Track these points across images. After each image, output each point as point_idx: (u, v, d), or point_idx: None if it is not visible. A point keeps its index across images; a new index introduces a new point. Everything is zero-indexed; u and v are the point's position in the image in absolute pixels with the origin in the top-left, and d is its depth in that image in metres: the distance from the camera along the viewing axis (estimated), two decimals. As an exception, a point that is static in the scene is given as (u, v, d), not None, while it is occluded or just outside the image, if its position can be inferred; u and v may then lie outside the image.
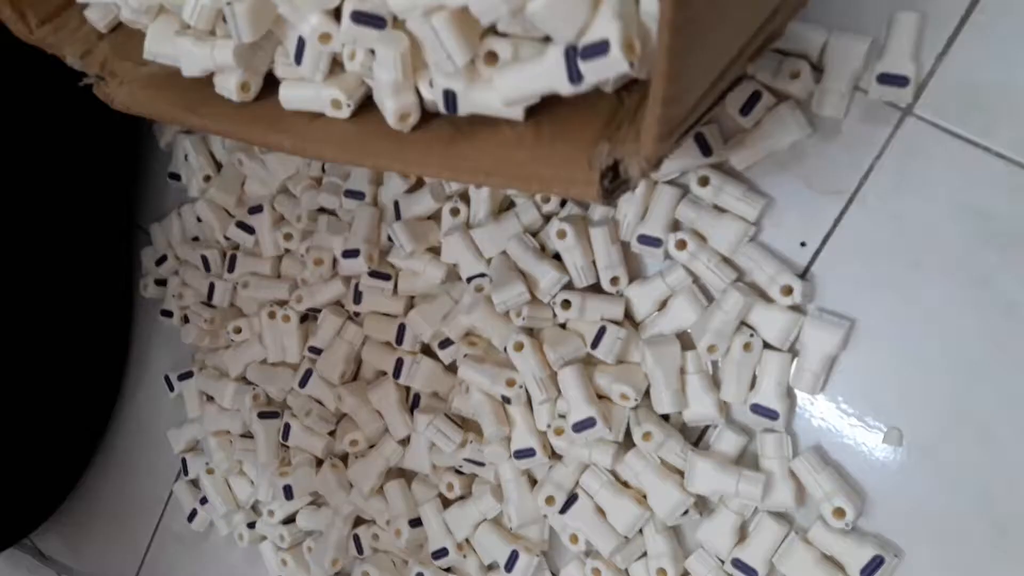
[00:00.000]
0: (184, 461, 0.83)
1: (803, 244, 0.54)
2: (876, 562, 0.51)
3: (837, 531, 0.53)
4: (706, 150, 0.54)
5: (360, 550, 0.73)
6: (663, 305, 0.58)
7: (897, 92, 0.49)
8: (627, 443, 0.59)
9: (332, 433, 0.73)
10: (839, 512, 0.52)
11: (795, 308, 0.53)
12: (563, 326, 0.61)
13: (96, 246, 0.83)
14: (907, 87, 0.49)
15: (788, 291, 0.53)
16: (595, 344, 0.58)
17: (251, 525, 0.80)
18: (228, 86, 0.48)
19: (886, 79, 0.49)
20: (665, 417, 0.58)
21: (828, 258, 0.53)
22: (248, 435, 0.79)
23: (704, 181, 0.55)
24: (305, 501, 0.76)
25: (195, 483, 0.84)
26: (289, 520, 0.78)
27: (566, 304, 0.59)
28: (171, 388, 0.84)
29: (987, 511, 0.50)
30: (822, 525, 0.53)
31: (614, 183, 0.37)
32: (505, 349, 0.60)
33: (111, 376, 0.89)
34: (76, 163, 0.78)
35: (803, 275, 0.54)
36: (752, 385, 0.55)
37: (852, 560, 0.52)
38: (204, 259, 0.80)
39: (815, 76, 0.51)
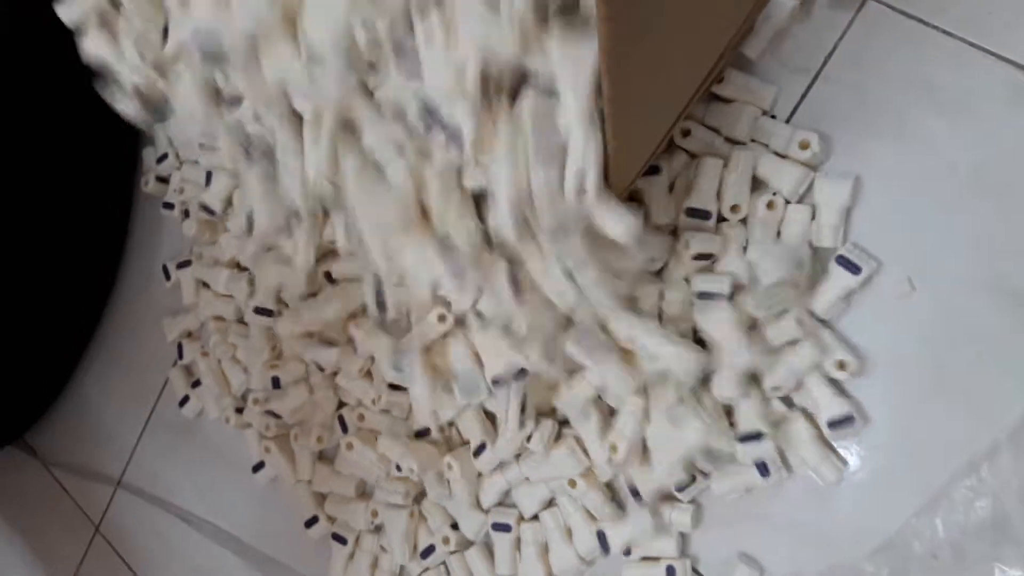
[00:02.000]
0: (180, 346, 0.87)
1: (773, 116, 0.60)
2: (847, 419, 0.56)
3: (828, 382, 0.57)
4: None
5: (345, 429, 0.77)
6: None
7: (860, -24, 0.56)
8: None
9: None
10: (841, 364, 0.56)
11: (806, 164, 0.58)
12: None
13: (102, 137, 0.86)
14: (868, -30, 0.55)
15: (806, 145, 0.57)
16: None
17: (239, 410, 0.84)
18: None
19: (850, -36, 0.56)
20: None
21: (794, 130, 0.59)
22: (242, 321, 0.83)
23: (720, 77, 0.60)
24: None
25: (189, 369, 0.88)
26: (276, 415, 0.81)
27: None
28: (167, 277, 0.88)
29: (940, 366, 0.55)
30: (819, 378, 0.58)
31: None
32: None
33: (106, 267, 0.92)
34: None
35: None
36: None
37: (824, 411, 0.57)
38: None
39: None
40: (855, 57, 0.57)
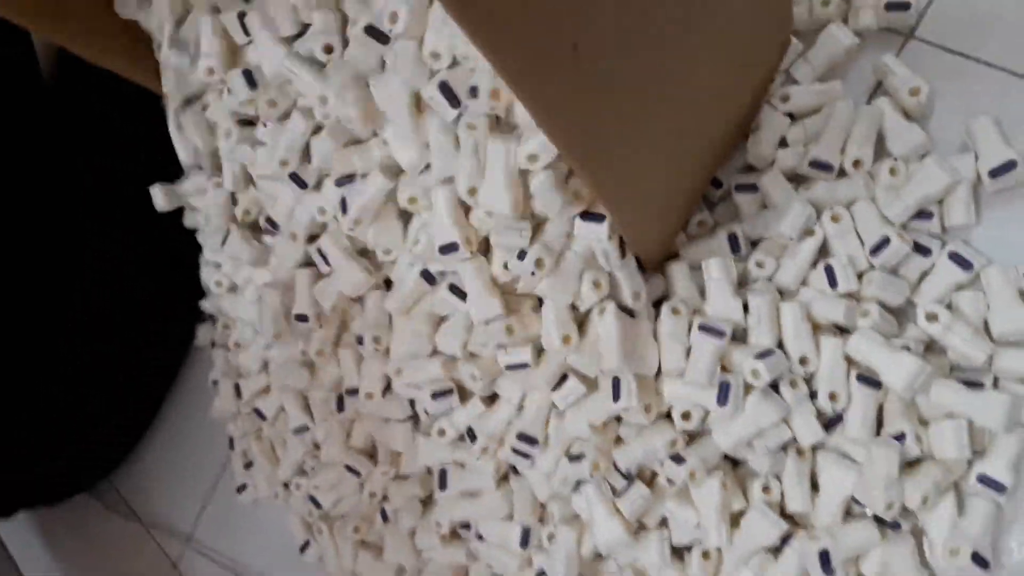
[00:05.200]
0: (231, 440, 0.86)
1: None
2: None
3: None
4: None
5: (385, 519, 0.75)
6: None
7: (902, 17, 0.58)
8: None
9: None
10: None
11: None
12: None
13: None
14: (909, 10, 0.58)
15: (916, 92, 0.57)
16: None
17: (286, 486, 0.83)
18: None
19: (892, 7, 0.58)
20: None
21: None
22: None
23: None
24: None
25: (245, 452, 0.87)
26: (318, 504, 0.79)
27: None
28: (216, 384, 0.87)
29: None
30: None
31: None
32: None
33: (184, 325, 0.92)
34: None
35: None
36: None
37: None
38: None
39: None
40: (902, 93, 0.60)
